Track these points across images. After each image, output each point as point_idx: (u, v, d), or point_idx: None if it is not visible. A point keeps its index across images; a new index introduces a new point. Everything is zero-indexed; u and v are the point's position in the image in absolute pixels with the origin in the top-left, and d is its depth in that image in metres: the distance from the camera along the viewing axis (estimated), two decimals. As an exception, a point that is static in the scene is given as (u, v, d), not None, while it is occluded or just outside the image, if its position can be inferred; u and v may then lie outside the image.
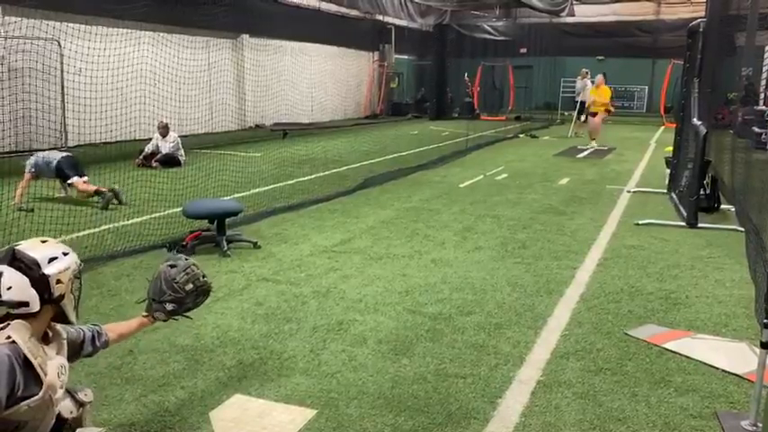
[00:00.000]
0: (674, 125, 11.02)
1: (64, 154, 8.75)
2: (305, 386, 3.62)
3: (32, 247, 2.34)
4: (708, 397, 3.56)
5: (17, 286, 2.25)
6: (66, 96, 13.49)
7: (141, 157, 12.07)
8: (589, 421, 3.30)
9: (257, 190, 9.60)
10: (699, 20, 8.88)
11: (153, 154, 12.10)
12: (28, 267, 2.27)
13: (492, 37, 28.37)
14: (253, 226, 7.38)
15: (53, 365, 2.37)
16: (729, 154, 8.20)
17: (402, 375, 3.77)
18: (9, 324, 2.26)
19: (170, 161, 11.98)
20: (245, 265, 5.89)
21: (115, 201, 8.48)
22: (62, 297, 2.35)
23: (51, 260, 2.33)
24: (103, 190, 8.43)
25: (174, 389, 3.57)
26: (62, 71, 13.49)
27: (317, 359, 3.97)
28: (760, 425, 3.21)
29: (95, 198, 8.48)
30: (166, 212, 7.86)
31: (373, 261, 6.10)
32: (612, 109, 17.44)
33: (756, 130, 14.42)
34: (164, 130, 12.21)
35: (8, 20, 11.97)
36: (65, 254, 2.40)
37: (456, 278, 5.62)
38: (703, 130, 7.72)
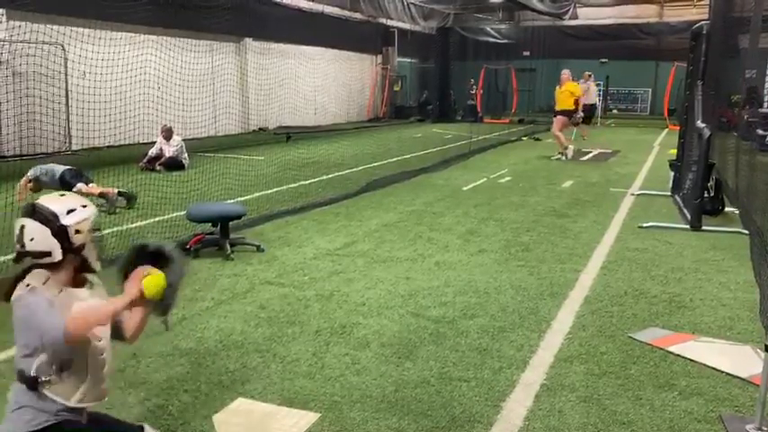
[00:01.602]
0: (678, 127, 11.00)
1: (66, 167, 8.69)
2: (308, 389, 3.62)
3: (51, 201, 2.43)
4: (712, 400, 3.55)
5: (39, 237, 2.35)
6: (70, 100, 13.55)
7: (145, 160, 12.09)
8: (593, 425, 3.29)
9: (260, 193, 9.61)
10: (702, 22, 8.88)
11: (157, 157, 12.12)
12: (47, 219, 2.36)
13: (495, 40, 28.38)
14: (256, 229, 7.39)
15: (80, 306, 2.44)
16: (733, 156, 8.19)
17: (405, 379, 3.76)
18: (27, 275, 2.35)
19: (174, 164, 12.00)
20: (249, 269, 5.90)
21: (125, 203, 8.47)
22: (83, 247, 2.44)
23: (70, 212, 2.41)
24: (108, 192, 8.41)
25: (178, 392, 3.57)
26: (66, 75, 13.55)
27: (320, 362, 3.97)
28: (765, 428, 3.20)
29: (100, 200, 8.48)
30: (170, 216, 7.87)
31: (376, 264, 6.10)
32: (579, 107, 14.69)
33: (761, 132, 14.40)
34: (167, 134, 12.23)
35: (12, 24, 12.01)
36: (83, 206, 2.48)
37: (459, 281, 5.61)
38: (707, 132, 7.71)
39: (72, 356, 2.34)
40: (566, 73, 14.70)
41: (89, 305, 2.38)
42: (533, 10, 22.52)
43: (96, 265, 2.53)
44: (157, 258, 2.62)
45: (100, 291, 2.57)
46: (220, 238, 6.35)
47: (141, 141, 14.07)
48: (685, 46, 10.18)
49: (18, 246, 2.39)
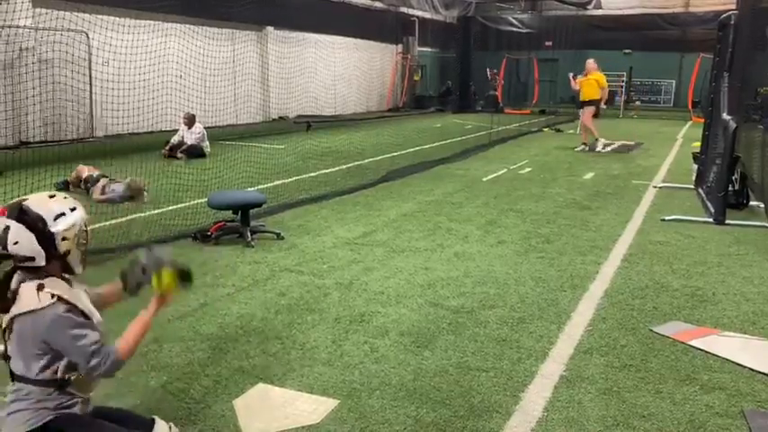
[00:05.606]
0: (702, 120, 10.83)
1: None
2: (327, 376, 3.64)
3: (39, 203, 2.34)
4: (734, 395, 3.52)
5: (23, 241, 2.28)
6: (93, 87, 13.69)
7: (167, 148, 12.19)
8: (612, 417, 3.28)
9: (280, 182, 9.65)
10: (730, 12, 8.72)
11: (179, 145, 12.22)
12: (34, 223, 2.29)
13: (517, 30, 28.12)
14: (276, 217, 7.43)
15: (89, 305, 2.47)
16: (759, 150, 8.05)
17: (424, 368, 3.77)
18: (44, 283, 2.32)
19: (195, 152, 12.09)
20: (269, 256, 5.94)
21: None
22: (68, 252, 2.38)
23: (58, 217, 2.34)
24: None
25: (199, 377, 3.62)
26: (90, 62, 13.69)
27: (340, 350, 3.99)
28: (788, 425, 3.16)
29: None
30: (191, 203, 7.95)
31: (395, 254, 6.11)
32: (605, 97, 14.66)
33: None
34: (189, 122, 12.31)
35: (38, 11, 12.15)
36: (72, 209, 2.40)
37: (478, 272, 5.60)
38: (733, 125, 7.58)
39: None
40: (591, 62, 14.45)
41: (131, 331, 2.47)
42: (556, -1, 22.27)
43: (78, 269, 2.47)
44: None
45: (82, 286, 2.57)
46: (241, 226, 6.40)
47: (163, 129, 14.20)
48: (712, 37, 10.02)
49: (0, 247, 2.32)
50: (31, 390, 2.32)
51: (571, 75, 15.07)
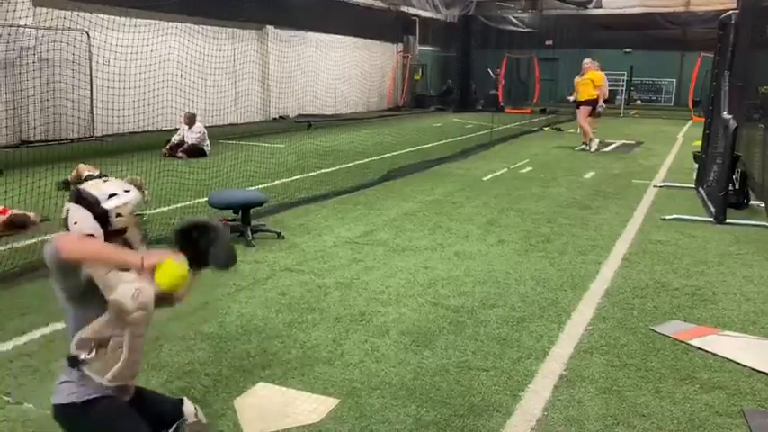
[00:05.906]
0: (703, 119, 10.83)
1: None
2: (328, 375, 3.65)
3: (94, 186, 2.51)
4: (734, 394, 3.52)
5: (81, 221, 2.43)
6: (94, 86, 13.70)
7: (168, 147, 12.19)
8: (612, 416, 3.28)
9: (281, 181, 9.65)
10: (730, 12, 8.72)
11: (179, 144, 12.22)
12: (89, 204, 2.45)
13: (518, 29, 28.10)
14: (277, 216, 7.44)
15: (127, 287, 2.44)
16: (760, 149, 8.06)
17: (424, 367, 3.78)
18: None
19: (195, 152, 12.08)
20: (270, 256, 5.94)
21: None
22: (125, 230, 2.51)
23: (111, 196, 2.48)
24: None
25: (199, 376, 3.63)
26: (90, 61, 13.69)
27: (340, 349, 4.00)
28: (788, 424, 3.17)
29: None
30: (192, 202, 7.95)
31: (396, 253, 6.11)
32: (604, 96, 14.30)
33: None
34: (190, 121, 12.31)
35: (39, 10, 12.16)
36: (126, 191, 2.53)
37: (479, 271, 5.61)
38: (733, 124, 7.58)
39: (111, 334, 2.40)
40: (587, 61, 14.35)
41: (90, 240, 2.41)
42: (557, -2, 22.27)
43: (140, 248, 2.59)
44: (201, 233, 2.72)
45: (144, 274, 2.60)
46: (242, 225, 6.40)
47: (164, 128, 14.19)
48: (712, 36, 10.01)
49: (64, 229, 2.48)
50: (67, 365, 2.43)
51: (567, 96, 15.20)
